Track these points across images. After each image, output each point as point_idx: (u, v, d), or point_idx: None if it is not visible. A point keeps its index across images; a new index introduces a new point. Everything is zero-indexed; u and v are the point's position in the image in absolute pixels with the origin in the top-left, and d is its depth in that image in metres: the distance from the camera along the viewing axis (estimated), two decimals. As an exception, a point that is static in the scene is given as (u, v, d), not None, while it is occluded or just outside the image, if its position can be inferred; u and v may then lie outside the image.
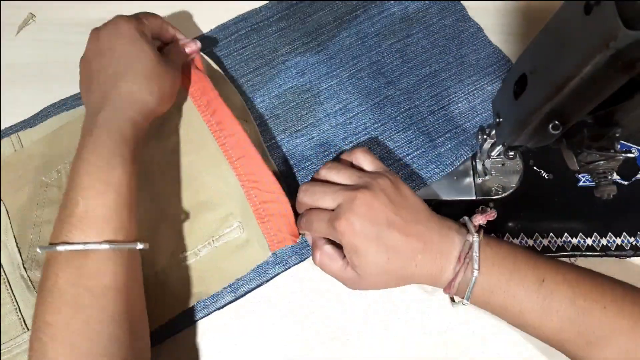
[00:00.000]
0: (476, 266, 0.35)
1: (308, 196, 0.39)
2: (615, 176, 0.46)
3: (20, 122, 0.49)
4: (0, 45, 0.52)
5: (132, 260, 0.36)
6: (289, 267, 0.44)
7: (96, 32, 0.41)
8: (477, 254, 0.35)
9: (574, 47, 0.27)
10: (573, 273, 0.35)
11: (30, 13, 0.53)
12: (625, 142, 0.46)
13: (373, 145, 0.48)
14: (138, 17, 0.43)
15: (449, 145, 0.47)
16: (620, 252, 0.44)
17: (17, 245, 0.44)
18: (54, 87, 0.51)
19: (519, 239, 0.45)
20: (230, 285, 0.43)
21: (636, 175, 0.46)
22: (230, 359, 0.42)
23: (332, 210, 0.37)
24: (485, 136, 0.44)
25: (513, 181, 0.46)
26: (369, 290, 0.43)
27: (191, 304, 0.42)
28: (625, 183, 0.46)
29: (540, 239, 0.45)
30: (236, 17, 0.53)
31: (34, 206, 0.45)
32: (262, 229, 0.41)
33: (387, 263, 0.36)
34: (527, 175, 0.46)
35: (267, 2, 0.53)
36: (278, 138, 0.48)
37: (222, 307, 0.43)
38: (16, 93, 0.50)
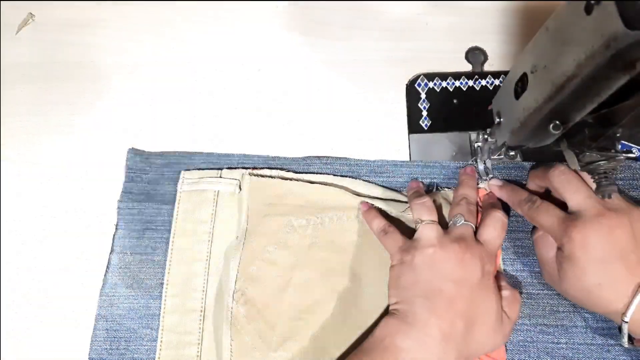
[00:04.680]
0: None
1: (560, 181, 0.38)
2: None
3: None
4: (0, 45, 0.52)
5: None
6: None
7: (476, 259, 0.36)
8: None
9: (575, 46, 0.27)
10: None
11: (30, 13, 0.53)
12: (625, 142, 0.46)
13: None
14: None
15: None
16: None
17: (237, 270, 0.41)
18: (54, 87, 0.51)
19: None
20: None
21: (636, 175, 0.46)
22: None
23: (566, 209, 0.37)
24: (485, 136, 0.44)
25: (513, 181, 0.46)
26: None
27: None
28: (626, 183, 0.46)
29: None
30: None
31: (272, 241, 0.42)
32: None
33: (595, 287, 0.35)
34: (528, 175, 0.46)
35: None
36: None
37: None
38: (16, 93, 0.50)
